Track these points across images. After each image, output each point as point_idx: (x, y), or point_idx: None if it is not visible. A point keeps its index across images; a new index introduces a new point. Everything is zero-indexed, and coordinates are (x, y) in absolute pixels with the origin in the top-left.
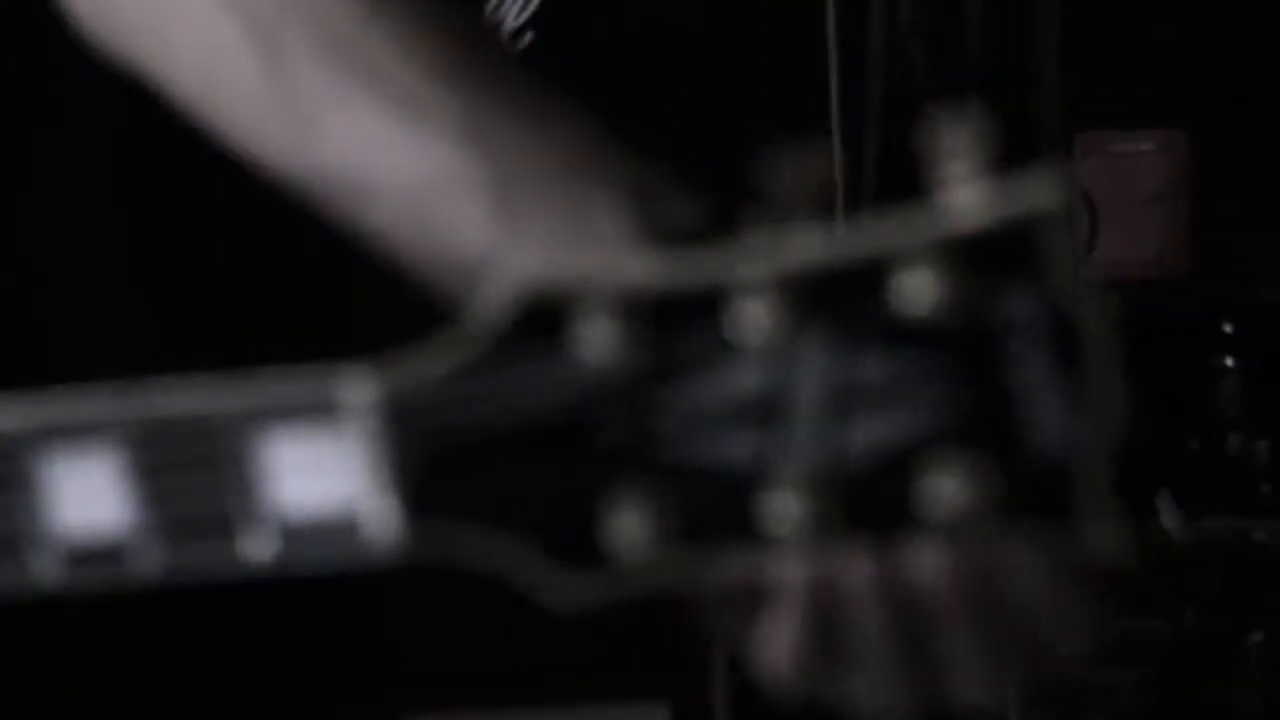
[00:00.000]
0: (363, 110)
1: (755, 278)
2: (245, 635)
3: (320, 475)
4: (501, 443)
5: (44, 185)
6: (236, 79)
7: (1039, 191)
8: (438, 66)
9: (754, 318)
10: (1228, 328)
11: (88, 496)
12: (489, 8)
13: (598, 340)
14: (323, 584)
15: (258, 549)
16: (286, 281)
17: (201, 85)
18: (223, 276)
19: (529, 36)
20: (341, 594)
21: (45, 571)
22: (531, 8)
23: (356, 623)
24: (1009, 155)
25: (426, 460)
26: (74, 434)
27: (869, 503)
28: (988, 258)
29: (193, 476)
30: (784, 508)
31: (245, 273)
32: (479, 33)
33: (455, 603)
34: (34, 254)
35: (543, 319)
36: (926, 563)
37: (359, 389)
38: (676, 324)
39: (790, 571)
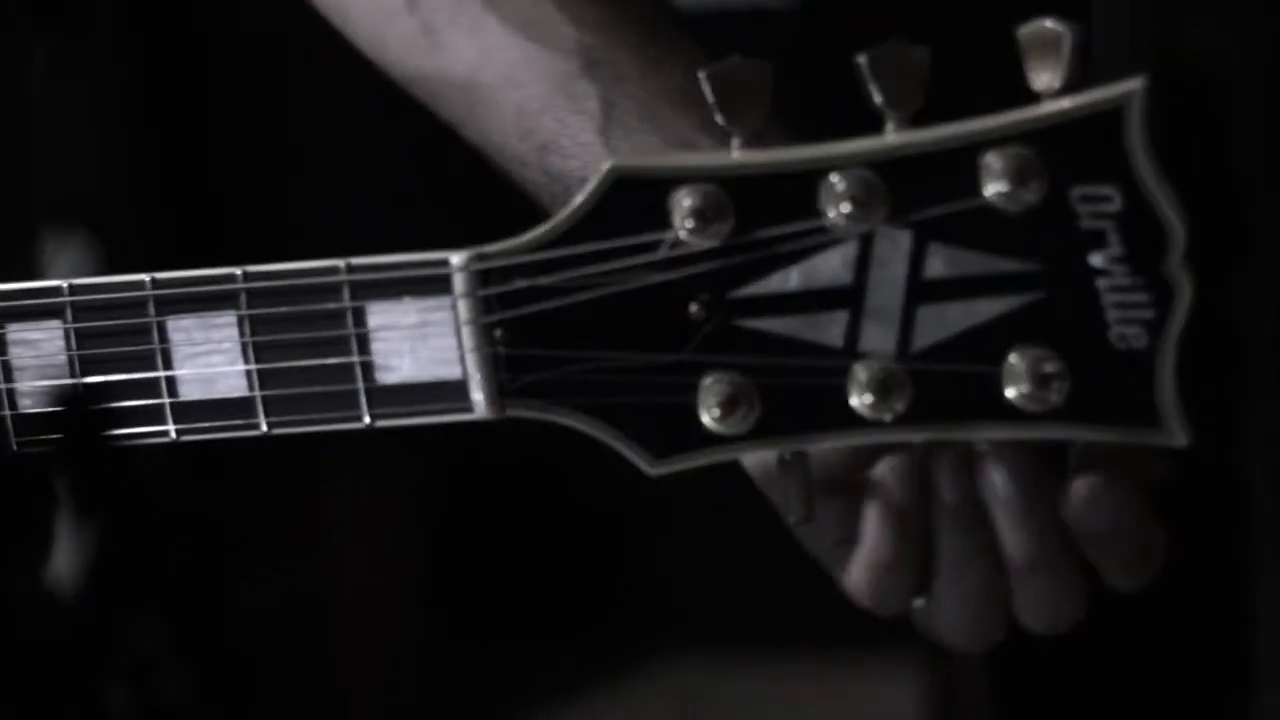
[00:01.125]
0: (486, 27)
1: (847, 161)
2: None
3: (421, 338)
4: (593, 315)
5: None
6: None
7: (1120, 90)
8: None
9: (845, 200)
10: None
11: (214, 352)
12: None
13: (687, 219)
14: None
15: (365, 406)
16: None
17: None
18: None
19: None
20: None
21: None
22: None
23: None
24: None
25: (520, 328)
26: (202, 299)
27: (951, 391)
28: (1072, 145)
29: (305, 334)
30: (871, 389)
31: None
32: None
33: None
34: None
35: (633, 198)
36: (1004, 463)
37: (456, 256)
38: (768, 205)
39: (878, 461)
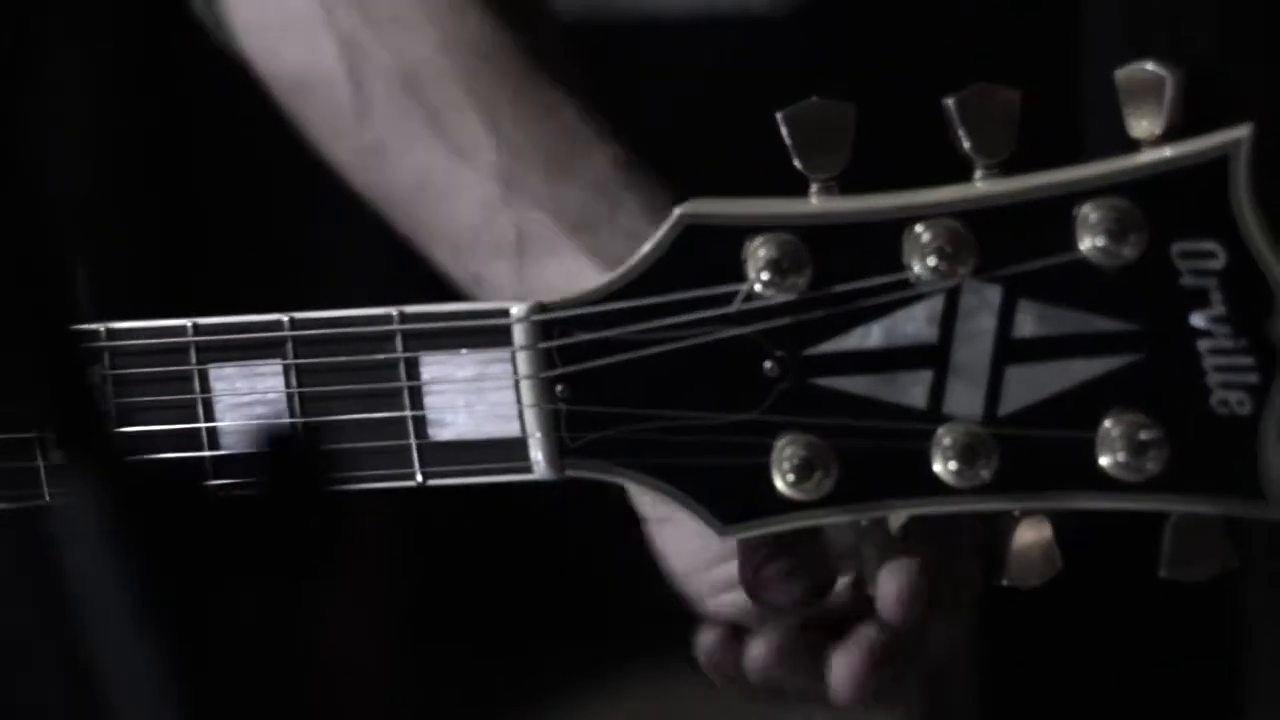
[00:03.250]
0: (420, 152)
1: (933, 210)
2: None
3: (477, 392)
4: (660, 371)
5: None
6: (326, 95)
7: (1225, 138)
8: (494, 110)
9: (931, 253)
10: None
11: (258, 403)
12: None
13: (764, 271)
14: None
15: (417, 463)
16: None
17: (295, 91)
18: None
19: None
20: (575, 551)
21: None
22: None
23: (588, 579)
24: (1198, 105)
25: (583, 384)
26: (249, 346)
27: (1041, 458)
28: (1174, 197)
29: (354, 386)
30: (956, 455)
31: None
32: (543, 63)
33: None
34: None
35: (704, 247)
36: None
37: (517, 307)
38: (848, 256)
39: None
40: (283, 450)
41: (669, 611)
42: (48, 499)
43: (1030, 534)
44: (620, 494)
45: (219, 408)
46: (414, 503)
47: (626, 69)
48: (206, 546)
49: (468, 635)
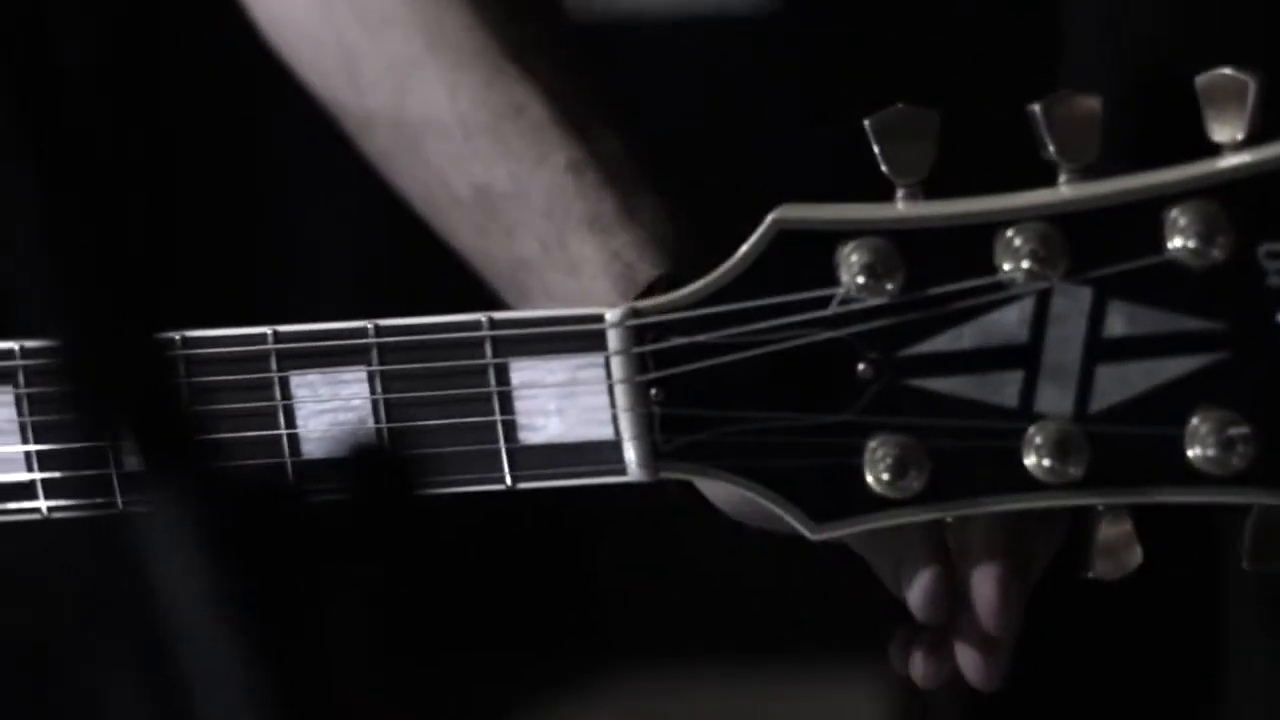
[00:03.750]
0: (386, 139)
1: (1023, 214)
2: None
3: (570, 395)
4: (754, 374)
5: None
6: (322, 58)
7: None
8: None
9: (1024, 256)
10: None
11: (342, 410)
12: None
13: (859, 274)
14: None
15: (507, 466)
16: None
17: (294, 42)
18: None
19: None
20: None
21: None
22: None
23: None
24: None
25: (677, 387)
26: (332, 353)
27: (1131, 454)
28: (1260, 199)
29: (442, 391)
30: (1048, 452)
31: None
32: (516, 59)
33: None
34: None
35: (797, 252)
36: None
37: (611, 313)
38: (940, 260)
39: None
40: (368, 454)
41: (659, 615)
42: (121, 507)
43: (1113, 529)
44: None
45: (301, 414)
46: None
47: (622, 69)
48: (295, 554)
49: (458, 639)
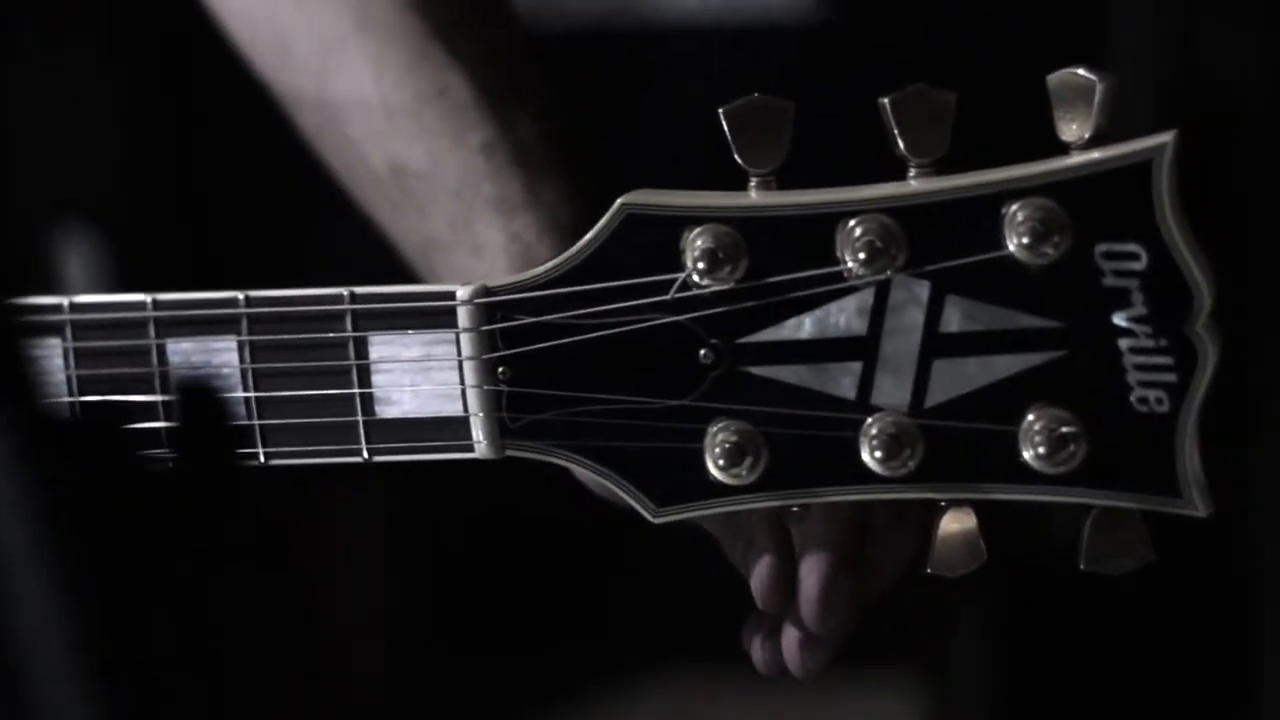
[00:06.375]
0: (317, 113)
1: (866, 206)
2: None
3: (423, 371)
4: (599, 355)
5: None
6: (266, 37)
7: (1150, 143)
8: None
9: (862, 247)
10: None
11: (214, 375)
12: None
13: (700, 260)
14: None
15: (364, 439)
16: None
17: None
18: None
19: None
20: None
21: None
22: None
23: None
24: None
25: (524, 366)
26: (203, 322)
27: (965, 449)
28: (1099, 199)
29: (306, 363)
30: (882, 445)
31: None
32: (442, 41)
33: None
34: None
35: (644, 236)
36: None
37: (463, 290)
38: (783, 249)
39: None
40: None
41: (702, 615)
42: None
43: (955, 524)
44: None
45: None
46: (426, 508)
47: (645, 74)
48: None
49: (481, 639)
